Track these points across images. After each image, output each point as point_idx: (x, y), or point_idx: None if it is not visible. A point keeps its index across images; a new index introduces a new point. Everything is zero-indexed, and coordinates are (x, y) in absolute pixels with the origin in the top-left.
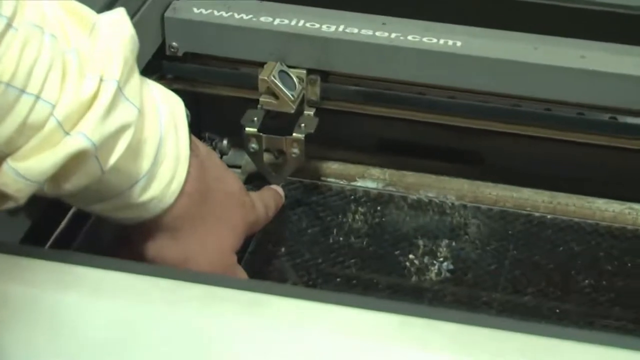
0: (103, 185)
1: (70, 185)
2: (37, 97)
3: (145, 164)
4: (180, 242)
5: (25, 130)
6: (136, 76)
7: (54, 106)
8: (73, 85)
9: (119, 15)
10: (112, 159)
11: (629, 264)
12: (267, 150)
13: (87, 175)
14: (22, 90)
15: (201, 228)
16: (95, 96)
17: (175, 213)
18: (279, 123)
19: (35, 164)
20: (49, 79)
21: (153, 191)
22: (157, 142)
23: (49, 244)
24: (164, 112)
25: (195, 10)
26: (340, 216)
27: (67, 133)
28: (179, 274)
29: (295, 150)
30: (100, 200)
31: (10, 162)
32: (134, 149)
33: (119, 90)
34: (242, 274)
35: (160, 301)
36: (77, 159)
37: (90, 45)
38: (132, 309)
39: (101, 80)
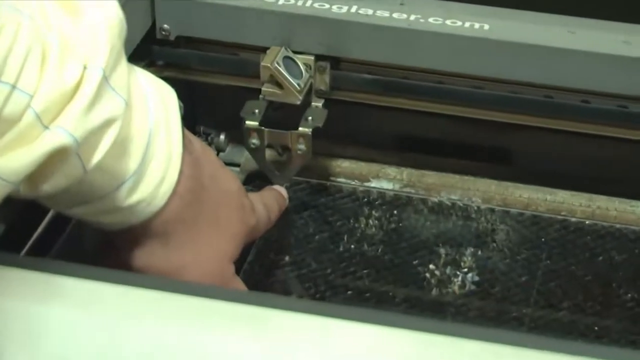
0: (85, 187)
1: (49, 186)
2: (13, 87)
3: (132, 163)
4: (172, 249)
5: (0, 124)
6: (123, 64)
7: (31, 97)
8: (53, 73)
9: None
10: (96, 157)
11: None
12: (269, 146)
13: (68, 175)
14: None
15: (195, 234)
16: (77, 86)
17: (166, 217)
18: (283, 116)
19: (9, 162)
20: (27, 66)
21: (141, 193)
22: (146, 138)
23: (24, 250)
24: (154, 103)
25: None
26: (351, 221)
27: (45, 127)
28: (169, 285)
29: (302, 147)
30: (82, 202)
31: None
32: (120, 146)
33: (105, 79)
34: (240, 286)
35: (149, 315)
36: (56, 157)
37: (73, 28)
38: (118, 323)
39: (85, 68)
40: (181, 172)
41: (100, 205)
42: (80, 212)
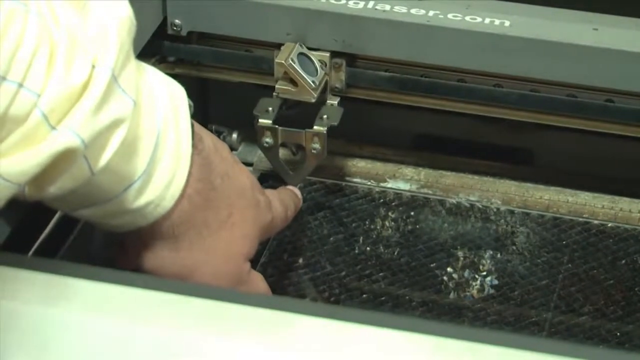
0: (93, 188)
1: (55, 188)
2: (20, 85)
3: (140, 164)
4: (182, 252)
5: (6, 124)
6: (132, 63)
7: (39, 96)
8: (61, 72)
9: None
10: (103, 159)
11: None
12: (283, 145)
13: (75, 176)
14: (3, 78)
15: (206, 235)
16: (86, 86)
17: (176, 219)
18: (297, 114)
19: (15, 164)
20: (34, 65)
21: (149, 195)
22: (155, 138)
23: (32, 251)
24: (163, 102)
25: None
26: (367, 222)
27: (53, 128)
28: (182, 287)
29: (316, 146)
30: (89, 205)
31: None
32: (128, 147)
33: (113, 79)
34: (259, 283)
35: (160, 319)
36: (63, 159)
37: (81, 26)
38: (129, 326)
39: (93, 67)
40: (190, 174)
41: (107, 207)
42: (87, 214)
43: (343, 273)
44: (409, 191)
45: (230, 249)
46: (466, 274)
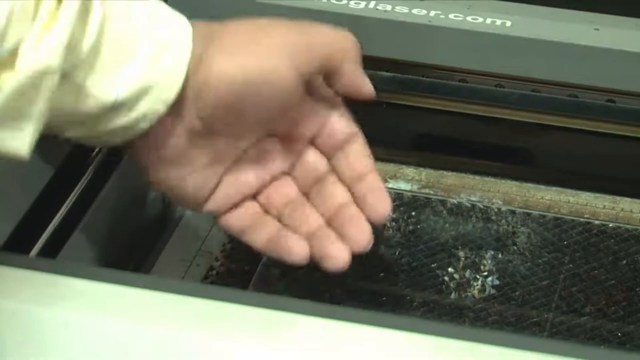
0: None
1: None
2: None
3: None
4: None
5: None
6: None
7: None
8: None
9: None
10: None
11: None
12: None
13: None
14: None
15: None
16: None
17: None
18: None
19: None
20: None
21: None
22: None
23: (33, 251)
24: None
25: None
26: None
27: None
28: (182, 287)
29: None
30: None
31: None
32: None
33: None
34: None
35: (160, 319)
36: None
37: None
38: (129, 326)
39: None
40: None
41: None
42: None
43: (344, 273)
44: (410, 191)
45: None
46: (467, 274)
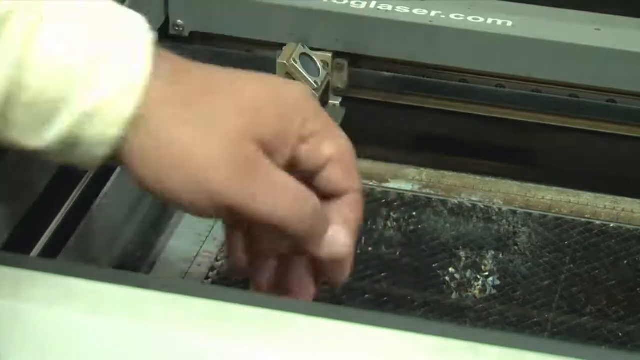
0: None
1: None
2: None
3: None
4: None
5: None
6: None
7: None
8: None
9: None
10: None
11: None
12: None
13: None
14: None
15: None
16: None
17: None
18: None
19: None
20: None
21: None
22: None
23: (34, 251)
24: None
25: None
26: (369, 222)
27: None
28: (182, 287)
29: None
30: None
31: None
32: None
33: None
34: (276, 176)
35: (163, 319)
36: None
37: None
38: (129, 326)
39: None
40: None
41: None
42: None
43: None
44: (411, 191)
45: (225, 123)
46: (468, 274)
